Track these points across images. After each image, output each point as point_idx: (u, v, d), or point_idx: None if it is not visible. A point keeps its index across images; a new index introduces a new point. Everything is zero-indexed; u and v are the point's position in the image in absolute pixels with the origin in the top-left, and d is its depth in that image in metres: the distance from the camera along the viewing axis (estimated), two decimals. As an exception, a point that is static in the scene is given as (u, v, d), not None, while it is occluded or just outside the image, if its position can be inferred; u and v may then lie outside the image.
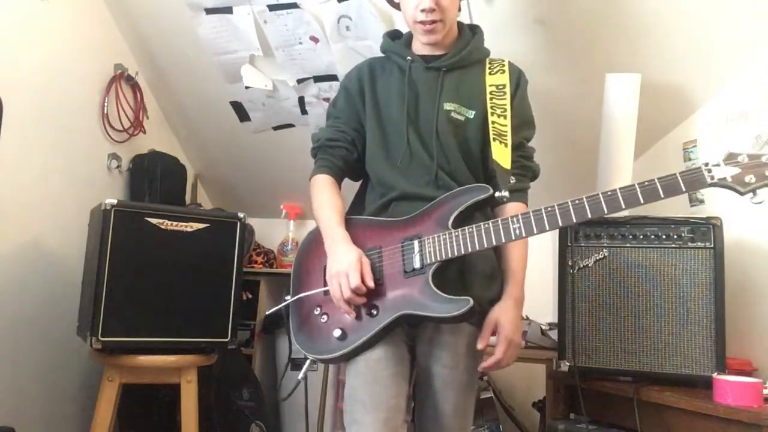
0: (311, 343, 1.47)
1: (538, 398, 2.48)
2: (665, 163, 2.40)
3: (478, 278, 1.47)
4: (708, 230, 1.83)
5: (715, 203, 2.15)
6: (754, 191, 1.19)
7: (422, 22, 1.51)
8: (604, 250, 1.90)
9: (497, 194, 1.42)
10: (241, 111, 2.92)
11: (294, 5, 2.43)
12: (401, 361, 1.45)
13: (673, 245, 1.85)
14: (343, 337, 1.41)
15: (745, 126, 2.08)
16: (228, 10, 2.51)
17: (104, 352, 2.03)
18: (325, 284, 1.46)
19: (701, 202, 2.23)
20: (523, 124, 1.58)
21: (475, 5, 2.21)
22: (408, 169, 1.52)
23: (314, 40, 2.49)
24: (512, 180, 1.48)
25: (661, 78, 2.25)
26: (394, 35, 1.70)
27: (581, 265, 1.92)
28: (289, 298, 1.54)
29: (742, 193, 1.19)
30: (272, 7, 2.45)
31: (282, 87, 2.74)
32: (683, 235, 1.85)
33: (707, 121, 2.26)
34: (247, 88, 2.75)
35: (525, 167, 1.57)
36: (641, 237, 1.88)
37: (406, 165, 1.52)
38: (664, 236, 1.86)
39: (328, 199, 1.53)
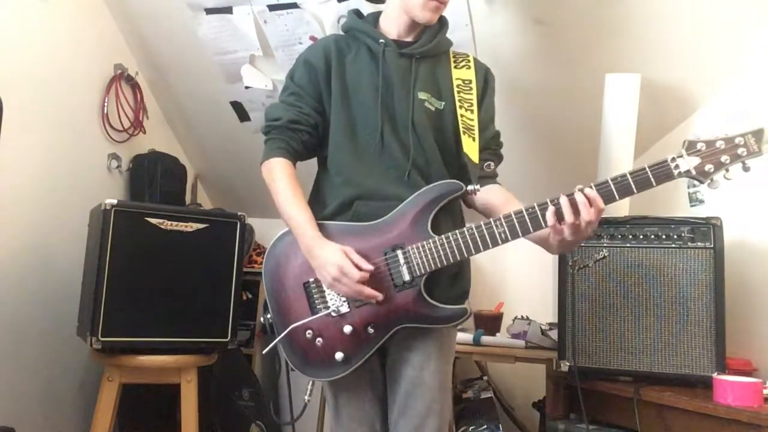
0: (312, 368, 1.45)
1: (538, 398, 2.48)
2: (665, 163, 2.40)
3: (443, 277, 1.46)
4: (708, 230, 1.83)
5: (715, 203, 2.15)
6: (712, 179, 1.26)
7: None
8: (604, 250, 1.90)
9: (469, 188, 1.44)
10: (241, 111, 2.92)
11: (294, 5, 2.43)
12: (375, 369, 1.51)
13: (673, 245, 1.85)
14: (347, 360, 1.41)
15: (745, 126, 2.07)
16: (228, 10, 2.51)
17: (104, 352, 2.03)
18: (309, 302, 1.44)
19: (701, 202, 2.23)
20: (492, 118, 1.63)
21: (475, 5, 2.21)
22: (377, 163, 1.48)
23: (314, 40, 2.48)
24: (491, 166, 1.57)
25: (661, 78, 2.25)
26: (359, 14, 1.64)
27: (581, 265, 1.92)
28: (270, 318, 1.49)
29: (703, 183, 1.27)
30: (272, 7, 2.45)
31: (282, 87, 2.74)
32: (683, 235, 1.85)
33: (707, 121, 2.26)
34: (247, 88, 2.74)
35: (499, 155, 1.64)
36: (641, 237, 1.88)
37: (376, 158, 1.48)
38: (664, 236, 1.86)
39: (293, 193, 1.45)
